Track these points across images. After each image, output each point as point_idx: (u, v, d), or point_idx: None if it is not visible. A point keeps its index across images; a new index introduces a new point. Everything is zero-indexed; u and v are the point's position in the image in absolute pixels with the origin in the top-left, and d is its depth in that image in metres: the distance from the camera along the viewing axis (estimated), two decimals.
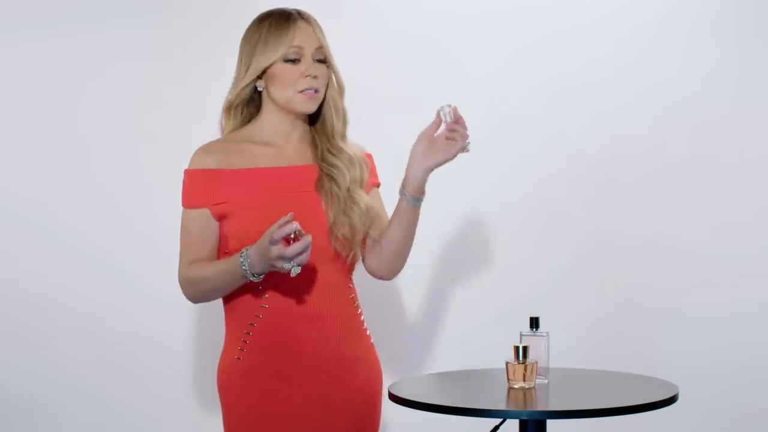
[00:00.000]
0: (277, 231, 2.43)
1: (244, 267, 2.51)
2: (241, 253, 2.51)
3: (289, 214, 2.46)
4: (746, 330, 3.65)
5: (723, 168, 3.66)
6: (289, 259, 2.44)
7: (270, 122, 2.68)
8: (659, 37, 3.66)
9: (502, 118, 3.67)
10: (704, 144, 3.66)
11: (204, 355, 3.63)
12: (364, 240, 2.70)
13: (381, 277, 2.77)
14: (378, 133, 3.51)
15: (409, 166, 2.67)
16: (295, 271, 2.47)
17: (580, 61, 3.67)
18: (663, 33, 3.66)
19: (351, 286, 2.71)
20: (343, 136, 2.72)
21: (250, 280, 2.53)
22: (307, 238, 2.45)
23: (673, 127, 3.66)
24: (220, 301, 2.68)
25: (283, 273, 2.48)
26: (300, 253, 2.44)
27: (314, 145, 2.70)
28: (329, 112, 2.70)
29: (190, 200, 2.65)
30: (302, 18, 2.66)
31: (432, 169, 2.66)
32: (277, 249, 2.43)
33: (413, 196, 2.66)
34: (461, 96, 3.64)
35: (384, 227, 2.71)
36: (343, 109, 2.72)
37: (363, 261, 2.74)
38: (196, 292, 2.63)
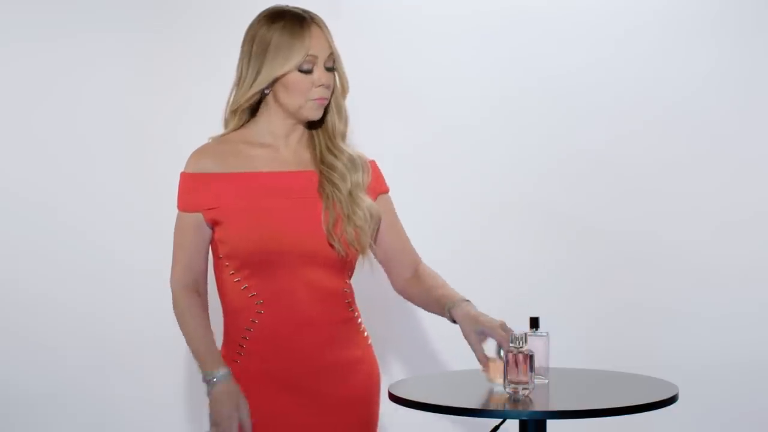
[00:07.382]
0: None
1: (207, 380, 2.58)
2: (217, 372, 2.57)
3: None
4: (746, 330, 3.65)
5: (723, 168, 3.66)
6: None
7: (270, 124, 2.65)
8: (659, 36, 3.66)
9: (502, 118, 3.67)
10: (704, 143, 3.66)
11: None
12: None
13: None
14: (377, 132, 3.52)
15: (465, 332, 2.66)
16: None
17: (580, 61, 3.66)
18: (663, 32, 3.66)
19: (347, 290, 2.68)
20: (344, 136, 2.68)
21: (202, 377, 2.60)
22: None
23: (673, 127, 3.66)
24: (219, 302, 2.68)
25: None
26: None
27: (312, 146, 2.67)
28: (331, 113, 2.66)
29: (184, 203, 2.63)
30: (315, 23, 2.59)
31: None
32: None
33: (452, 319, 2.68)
34: (460, 95, 3.67)
35: (406, 251, 2.75)
36: (345, 110, 2.68)
37: (390, 279, 2.76)
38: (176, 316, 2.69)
